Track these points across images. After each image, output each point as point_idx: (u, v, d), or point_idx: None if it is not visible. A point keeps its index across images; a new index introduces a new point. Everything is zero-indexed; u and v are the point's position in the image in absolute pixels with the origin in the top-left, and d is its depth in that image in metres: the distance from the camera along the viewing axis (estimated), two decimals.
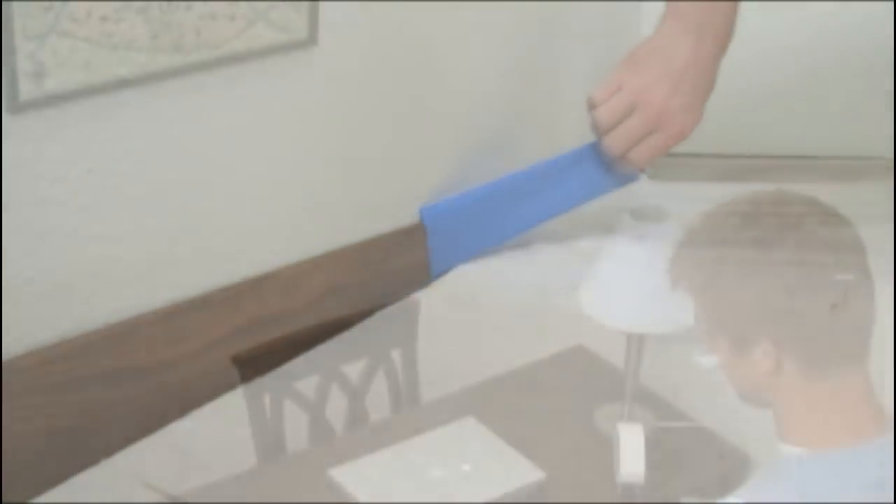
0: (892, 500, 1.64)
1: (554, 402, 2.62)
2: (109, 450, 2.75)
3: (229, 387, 2.61)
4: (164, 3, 2.40)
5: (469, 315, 3.12)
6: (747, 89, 3.25)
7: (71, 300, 2.63)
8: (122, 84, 2.45)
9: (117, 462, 2.74)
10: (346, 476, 2.32)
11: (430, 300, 2.89)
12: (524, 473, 2.36)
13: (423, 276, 3.18)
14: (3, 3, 2.21)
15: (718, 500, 2.14)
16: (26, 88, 2.32)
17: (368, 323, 2.68)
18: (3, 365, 2.55)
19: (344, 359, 2.62)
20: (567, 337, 2.81)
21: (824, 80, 3.38)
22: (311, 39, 2.69)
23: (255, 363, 2.54)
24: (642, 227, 2.37)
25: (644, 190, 3.01)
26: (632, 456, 2.34)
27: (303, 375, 2.58)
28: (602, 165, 2.72)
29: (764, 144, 3.49)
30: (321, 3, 2.68)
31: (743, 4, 2.68)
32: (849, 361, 1.68)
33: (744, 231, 1.78)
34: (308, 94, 2.79)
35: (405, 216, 3.14)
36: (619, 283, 2.41)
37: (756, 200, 1.90)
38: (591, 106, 2.60)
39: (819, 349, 1.66)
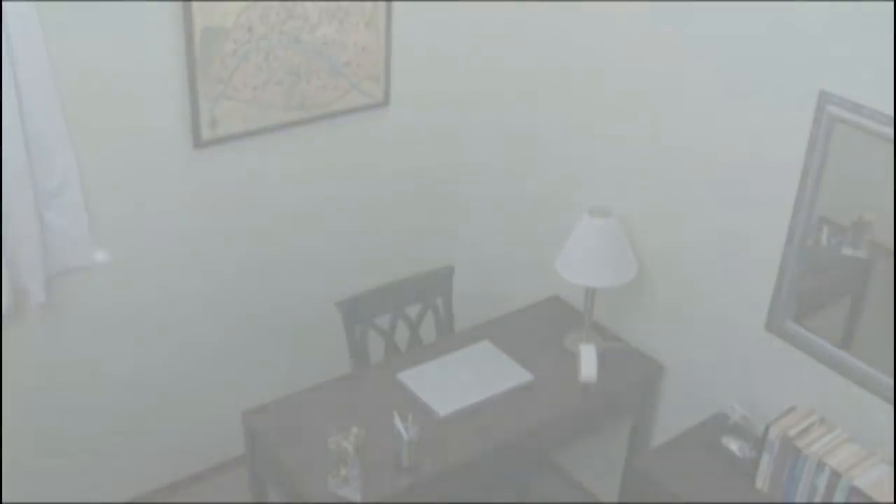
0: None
1: (539, 330, 3.18)
2: None
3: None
4: (294, 78, 3.05)
5: (483, 276, 3.66)
6: None
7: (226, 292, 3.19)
8: (266, 130, 3.08)
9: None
10: (409, 378, 2.93)
11: (460, 267, 3.35)
12: (520, 375, 2.96)
13: (457, 255, 3.70)
14: (193, 81, 2.89)
15: None
16: (206, 132, 2.98)
17: (423, 281, 3.17)
18: None
19: (406, 303, 3.17)
20: (547, 289, 3.38)
21: None
22: (386, 101, 3.26)
23: (351, 306, 3.04)
24: (596, 220, 2.91)
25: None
26: (589, 365, 2.91)
27: (380, 313, 3.13)
28: None
29: None
30: (392, 78, 3.25)
31: None
32: None
33: None
34: (383, 137, 3.33)
35: (450, 227, 3.61)
36: (581, 255, 2.94)
37: None
38: None
39: None
